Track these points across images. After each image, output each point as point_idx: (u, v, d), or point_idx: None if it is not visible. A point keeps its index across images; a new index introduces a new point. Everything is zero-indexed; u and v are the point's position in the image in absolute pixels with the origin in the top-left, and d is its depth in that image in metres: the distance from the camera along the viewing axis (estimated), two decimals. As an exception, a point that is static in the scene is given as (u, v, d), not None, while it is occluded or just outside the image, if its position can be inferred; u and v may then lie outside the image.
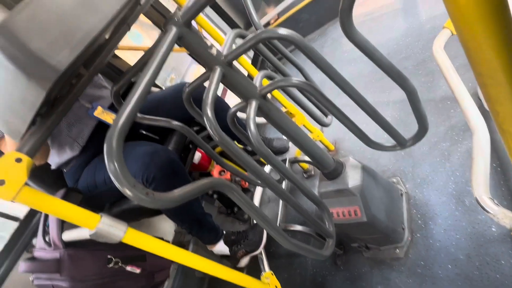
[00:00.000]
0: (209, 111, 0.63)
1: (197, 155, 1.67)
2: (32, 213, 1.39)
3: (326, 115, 1.12)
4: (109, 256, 1.00)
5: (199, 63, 0.69)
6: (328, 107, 0.77)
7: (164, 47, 0.58)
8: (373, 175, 1.06)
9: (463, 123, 1.24)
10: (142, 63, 0.81)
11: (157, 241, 0.76)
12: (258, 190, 1.43)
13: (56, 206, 0.61)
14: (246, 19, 3.02)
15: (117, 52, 1.87)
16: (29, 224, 1.36)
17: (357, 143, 1.62)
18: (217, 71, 0.68)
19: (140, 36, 3.41)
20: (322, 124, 1.10)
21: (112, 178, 0.43)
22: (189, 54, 2.24)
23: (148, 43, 3.37)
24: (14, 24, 0.49)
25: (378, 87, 1.70)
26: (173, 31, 0.61)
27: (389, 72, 0.65)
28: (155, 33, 3.34)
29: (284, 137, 1.55)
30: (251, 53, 2.97)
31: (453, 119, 1.28)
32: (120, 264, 1.01)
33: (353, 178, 0.98)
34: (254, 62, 2.89)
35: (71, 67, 0.56)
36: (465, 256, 0.99)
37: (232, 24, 2.78)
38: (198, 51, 0.66)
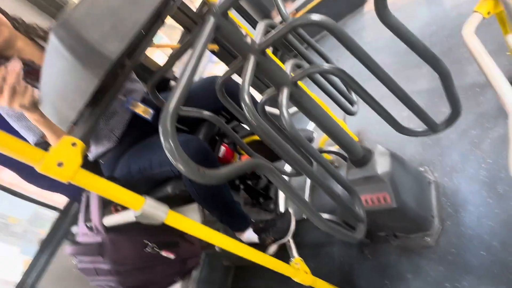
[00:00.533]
0: (246, 97, 0.66)
1: (221, 149, 1.72)
2: (70, 204, 1.48)
3: (352, 104, 1.13)
4: (145, 241, 1.05)
5: (232, 52, 0.72)
6: (359, 92, 0.78)
7: (205, 37, 0.62)
8: (401, 162, 1.06)
9: (494, 109, 1.22)
10: (176, 57, 0.85)
11: (195, 223, 0.80)
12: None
13: (107, 187, 0.66)
14: (263, 15, 3.04)
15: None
16: (68, 214, 1.45)
17: (381, 133, 1.62)
18: (252, 59, 0.71)
19: (162, 37, 3.52)
20: (349, 113, 1.10)
21: (168, 155, 0.47)
22: (213, 52, 2.28)
23: (167, 42, 3.47)
24: (73, 18, 0.54)
25: (403, 77, 1.68)
26: (211, 21, 0.65)
27: (422, 54, 0.66)
28: (173, 32, 3.43)
29: (308, 128, 1.57)
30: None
31: (483, 106, 1.26)
32: (156, 249, 1.06)
33: (381, 165, 0.98)
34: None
35: (119, 57, 0.61)
36: (499, 243, 0.97)
37: (251, 21, 2.81)
38: (235, 40, 0.69)
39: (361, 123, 1.72)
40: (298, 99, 0.82)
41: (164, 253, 1.08)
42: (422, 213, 1.09)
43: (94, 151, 1.17)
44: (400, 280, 1.13)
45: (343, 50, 0.68)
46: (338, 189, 1.38)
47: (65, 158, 0.60)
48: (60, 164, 0.60)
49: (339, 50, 0.71)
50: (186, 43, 0.77)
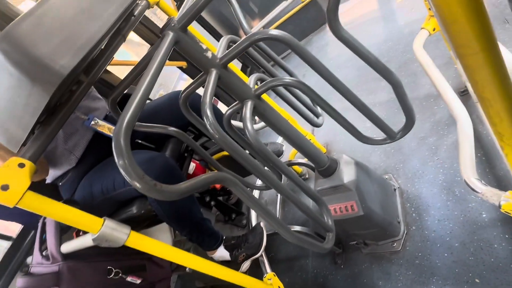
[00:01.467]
0: (208, 111, 0.65)
1: (191, 166, 1.68)
2: (25, 232, 1.36)
3: (317, 116, 1.16)
4: (109, 267, 0.98)
5: (195, 66, 0.72)
6: (321, 104, 0.81)
7: (163, 50, 0.61)
8: (367, 171, 1.10)
9: (446, 117, 1.31)
10: (138, 71, 0.83)
11: (161, 244, 0.76)
12: (255, 195, 1.45)
13: (59, 210, 0.61)
14: (229, 31, 3.10)
15: (107, 67, 1.89)
16: (23, 243, 1.32)
17: (348, 144, 1.68)
18: (213, 73, 0.71)
19: (127, 54, 3.46)
20: (314, 125, 1.13)
21: (122, 172, 0.45)
22: (181, 69, 2.28)
23: (136, 59, 3.41)
24: (19, 31, 0.51)
25: (364, 89, 1.77)
26: (170, 35, 0.64)
27: (375, 66, 0.69)
28: (141, 50, 3.40)
29: (278, 142, 1.58)
30: (239, 65, 3.04)
31: (437, 115, 1.35)
32: (120, 274, 0.99)
33: (347, 174, 1.01)
34: (243, 72, 2.95)
35: (73, 73, 0.58)
36: (460, 243, 1.02)
37: (216, 35, 2.86)
38: (195, 54, 0.69)
39: (328, 135, 1.77)
40: (262, 112, 0.83)
41: (130, 278, 1.02)
42: (388, 219, 1.12)
43: (52, 173, 1.09)
44: (373, 288, 1.14)
45: (309, 67, 0.70)
46: (309, 201, 1.39)
47: (10, 180, 0.56)
48: (4, 187, 0.55)
49: (305, 66, 0.74)
50: (145, 58, 0.76)
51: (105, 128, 1.08)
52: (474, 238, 1.00)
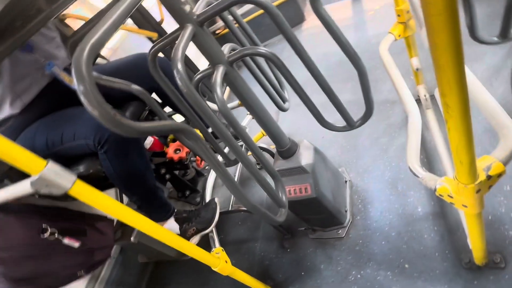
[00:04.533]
0: (179, 65, 0.62)
1: (149, 139, 1.61)
2: None
3: (284, 102, 1.18)
4: (44, 226, 0.90)
5: (160, 33, 0.69)
6: (290, 81, 0.83)
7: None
8: (324, 158, 1.15)
9: (399, 121, 1.42)
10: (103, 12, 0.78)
11: (110, 199, 0.72)
12: (213, 174, 1.43)
13: (-5, 141, 0.55)
14: None
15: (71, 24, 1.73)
16: None
17: (308, 137, 1.73)
18: (189, 29, 0.69)
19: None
20: (281, 109, 1.15)
21: (81, 97, 0.41)
22: (151, 40, 2.17)
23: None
24: None
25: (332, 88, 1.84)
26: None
27: (345, 49, 0.73)
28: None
29: (243, 125, 1.58)
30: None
31: (392, 118, 1.46)
32: (56, 235, 0.92)
33: (306, 157, 1.04)
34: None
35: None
36: (396, 233, 1.11)
37: None
38: (171, 3, 0.67)
39: (291, 128, 1.82)
40: (232, 80, 0.83)
41: (67, 241, 0.94)
42: (337, 207, 1.18)
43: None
44: (314, 271, 1.20)
45: (286, 56, 0.72)
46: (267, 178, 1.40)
47: None
48: None
49: (283, 56, 0.76)
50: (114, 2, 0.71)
51: (66, 77, 0.99)
52: (408, 229, 1.09)
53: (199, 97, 0.65)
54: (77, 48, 0.44)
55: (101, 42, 0.45)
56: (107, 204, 0.72)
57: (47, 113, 1.01)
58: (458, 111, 0.43)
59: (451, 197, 0.65)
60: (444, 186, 0.66)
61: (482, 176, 0.57)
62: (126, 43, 2.70)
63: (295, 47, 0.72)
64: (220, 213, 1.22)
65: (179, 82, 0.63)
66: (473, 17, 0.79)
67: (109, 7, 0.70)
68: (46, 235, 0.90)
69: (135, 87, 0.94)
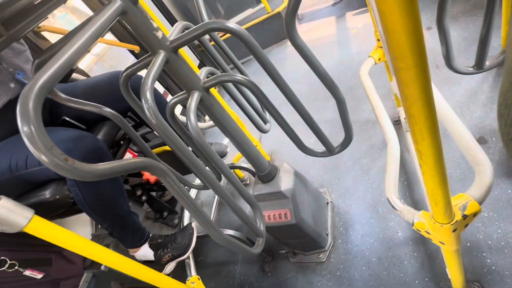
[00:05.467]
0: (148, 93, 0.60)
1: (128, 156, 1.56)
2: None
3: (265, 123, 1.16)
4: (2, 258, 0.84)
5: (142, 47, 0.67)
6: (269, 109, 0.81)
7: (105, 16, 0.55)
8: (304, 182, 1.13)
9: (380, 142, 1.42)
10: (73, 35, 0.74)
11: (71, 234, 0.67)
12: (192, 195, 1.39)
13: None
14: (187, 20, 3.02)
15: (48, 35, 1.67)
16: None
17: (291, 155, 1.72)
18: (161, 55, 0.66)
19: (75, 24, 3.13)
20: (261, 130, 1.13)
21: (26, 140, 0.38)
22: (133, 53, 2.13)
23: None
24: None
25: (314, 106, 1.85)
26: (117, 3, 0.58)
27: (323, 79, 0.72)
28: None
29: (223, 143, 1.55)
30: (197, 61, 2.96)
31: (373, 139, 1.46)
32: (16, 267, 0.85)
33: (286, 182, 1.02)
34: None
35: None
36: (377, 258, 1.10)
37: (172, 21, 2.74)
38: (143, 30, 0.64)
39: (274, 145, 1.80)
40: (209, 106, 0.80)
41: (28, 272, 0.88)
42: (318, 230, 1.16)
43: None
44: (295, 297, 1.16)
45: (266, 76, 0.70)
46: (246, 206, 1.37)
47: None
48: None
49: (262, 75, 0.73)
50: (84, 22, 0.67)
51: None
52: (389, 254, 1.08)
53: (168, 128, 0.62)
54: (25, 87, 0.40)
55: (53, 78, 0.42)
56: (69, 240, 0.67)
57: (12, 132, 0.95)
58: (431, 158, 0.42)
59: (428, 233, 0.64)
60: (421, 222, 0.64)
61: (458, 216, 0.56)
62: (113, 49, 2.65)
63: (270, 73, 0.70)
64: (198, 237, 1.17)
65: (147, 112, 0.59)
66: (449, 47, 0.80)
67: (80, 27, 0.66)
68: (5, 267, 0.83)
69: (107, 110, 0.90)
